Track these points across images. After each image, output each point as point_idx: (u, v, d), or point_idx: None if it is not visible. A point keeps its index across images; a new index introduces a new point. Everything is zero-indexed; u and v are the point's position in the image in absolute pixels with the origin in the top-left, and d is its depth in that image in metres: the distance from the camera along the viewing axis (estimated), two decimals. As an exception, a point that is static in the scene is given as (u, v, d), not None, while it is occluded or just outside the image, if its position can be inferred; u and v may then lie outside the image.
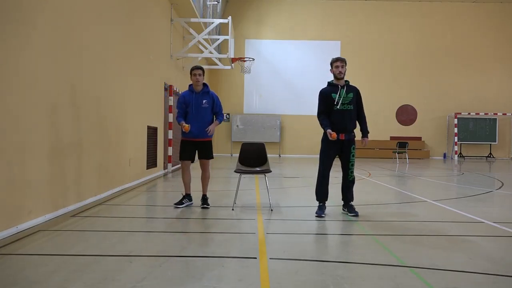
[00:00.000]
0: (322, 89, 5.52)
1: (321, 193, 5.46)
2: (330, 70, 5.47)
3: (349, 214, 5.38)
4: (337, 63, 5.39)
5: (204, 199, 5.95)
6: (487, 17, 21.85)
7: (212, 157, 6.01)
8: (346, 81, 5.49)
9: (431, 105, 21.89)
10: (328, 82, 5.55)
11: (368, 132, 5.61)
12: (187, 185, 6.02)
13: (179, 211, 5.70)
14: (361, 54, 21.69)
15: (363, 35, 21.86)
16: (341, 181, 5.56)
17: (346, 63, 5.44)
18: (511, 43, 21.82)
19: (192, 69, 5.87)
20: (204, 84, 5.94)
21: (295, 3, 21.93)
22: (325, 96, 5.41)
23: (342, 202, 5.58)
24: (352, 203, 5.49)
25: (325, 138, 5.44)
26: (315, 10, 21.90)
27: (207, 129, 5.77)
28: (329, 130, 5.24)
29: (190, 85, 5.94)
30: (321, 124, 5.42)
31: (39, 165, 4.73)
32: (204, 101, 5.84)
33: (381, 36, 21.88)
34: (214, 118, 5.99)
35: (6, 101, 4.13)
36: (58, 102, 5.19)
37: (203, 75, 5.87)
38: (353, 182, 5.49)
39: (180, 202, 5.93)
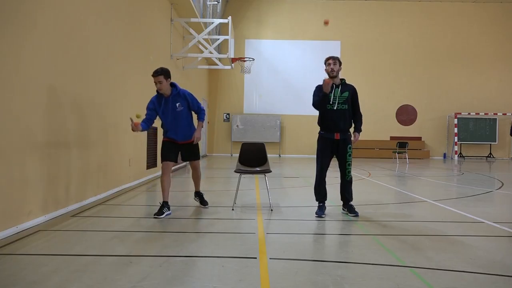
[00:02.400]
0: (318, 85, 5.45)
1: (320, 193, 5.46)
2: (325, 69, 5.45)
3: (349, 214, 5.39)
4: (329, 61, 5.36)
5: (200, 196, 5.83)
6: (487, 17, 21.85)
7: (199, 158, 5.76)
8: (342, 79, 5.45)
9: (431, 105, 21.90)
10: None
11: (360, 130, 5.49)
12: (166, 190, 5.31)
13: (179, 211, 5.69)
14: (361, 54, 21.71)
15: (363, 35, 21.86)
16: (339, 180, 5.56)
17: (340, 62, 5.40)
18: (511, 43, 21.82)
19: (152, 76, 5.17)
20: (172, 85, 5.30)
21: (295, 3, 21.93)
22: (320, 92, 5.30)
23: (342, 202, 5.58)
24: (352, 203, 5.49)
25: (320, 138, 5.46)
26: (315, 10, 21.90)
27: (192, 139, 5.40)
28: (325, 78, 5.09)
29: (157, 90, 5.29)
30: (316, 101, 5.27)
31: (39, 165, 4.74)
32: (177, 104, 5.27)
33: (381, 36, 21.88)
34: (197, 121, 5.51)
35: (6, 100, 4.13)
36: (58, 102, 5.19)
37: (166, 78, 5.14)
38: (351, 181, 5.48)
39: (161, 212, 5.19)
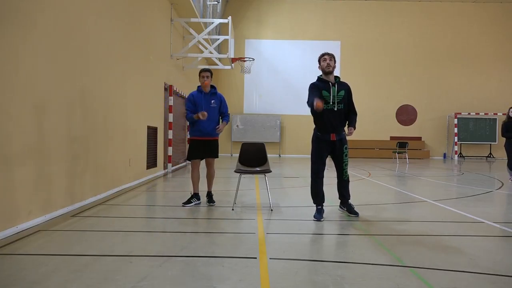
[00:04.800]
0: (312, 82, 5.25)
1: (318, 195, 5.27)
2: (318, 67, 5.25)
3: (349, 214, 5.36)
4: (325, 56, 5.20)
5: (210, 196, 6.16)
6: (487, 17, 21.86)
7: (217, 156, 6.20)
8: (336, 77, 5.27)
9: (431, 105, 21.90)
10: (319, 77, 5.28)
11: (355, 127, 5.32)
12: (196, 184, 6.15)
13: (179, 211, 5.70)
14: (361, 54, 21.71)
15: (363, 35, 21.87)
16: (335, 180, 5.49)
17: (335, 59, 5.22)
18: (511, 43, 21.83)
19: (201, 71, 6.06)
20: (212, 86, 6.14)
21: (295, 3, 21.93)
22: (317, 89, 5.13)
23: (339, 201, 5.54)
24: (352, 203, 5.46)
25: (316, 139, 5.28)
26: (315, 10, 21.91)
27: (217, 127, 5.98)
28: (316, 99, 4.79)
29: (198, 86, 6.11)
30: (309, 101, 5.00)
31: (39, 165, 4.74)
32: (212, 101, 6.03)
33: (381, 36, 21.89)
34: (221, 119, 6.22)
35: (6, 101, 4.13)
36: (58, 102, 5.19)
37: (211, 78, 6.06)
38: (348, 181, 5.42)
39: (189, 201, 6.04)
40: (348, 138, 5.35)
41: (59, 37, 5.22)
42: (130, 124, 8.22)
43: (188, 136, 6.22)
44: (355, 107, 5.40)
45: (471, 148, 22.03)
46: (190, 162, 6.27)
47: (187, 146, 6.40)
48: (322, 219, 5.14)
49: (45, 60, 4.88)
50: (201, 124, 5.94)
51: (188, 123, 6.30)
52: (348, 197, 5.45)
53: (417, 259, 3.54)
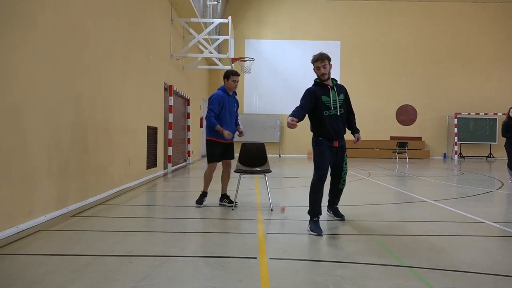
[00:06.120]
0: (309, 88, 4.74)
1: (317, 206, 4.64)
2: (313, 69, 4.74)
3: (334, 217, 5.16)
4: (317, 63, 4.64)
5: (229, 198, 6.11)
6: (487, 17, 21.86)
7: (233, 157, 6.26)
8: (333, 79, 4.84)
9: (431, 105, 21.90)
10: (315, 81, 4.79)
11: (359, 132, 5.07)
12: (208, 184, 6.18)
13: (179, 211, 5.70)
14: (361, 54, 21.71)
15: (363, 35, 21.86)
16: (328, 185, 5.08)
17: (329, 60, 4.67)
18: (511, 43, 21.83)
19: (232, 74, 5.96)
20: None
21: (295, 3, 21.93)
22: (314, 97, 4.65)
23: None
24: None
25: (318, 141, 4.75)
26: (315, 10, 21.91)
27: (241, 131, 6.10)
28: (290, 118, 4.38)
29: (222, 87, 6.02)
30: (292, 112, 4.56)
31: (39, 165, 4.74)
32: (234, 105, 6.10)
33: (381, 36, 21.89)
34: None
35: (6, 101, 4.13)
36: (58, 102, 5.19)
37: None
38: (342, 189, 5.13)
39: (201, 201, 6.05)
40: (348, 138, 5.25)
41: (59, 37, 5.22)
42: (130, 124, 8.22)
43: (207, 136, 6.05)
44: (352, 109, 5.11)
45: (471, 148, 22.02)
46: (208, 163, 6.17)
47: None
48: (322, 233, 4.44)
49: (45, 60, 4.88)
50: (225, 128, 5.83)
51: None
52: (337, 203, 5.24)
53: (417, 259, 3.54)
